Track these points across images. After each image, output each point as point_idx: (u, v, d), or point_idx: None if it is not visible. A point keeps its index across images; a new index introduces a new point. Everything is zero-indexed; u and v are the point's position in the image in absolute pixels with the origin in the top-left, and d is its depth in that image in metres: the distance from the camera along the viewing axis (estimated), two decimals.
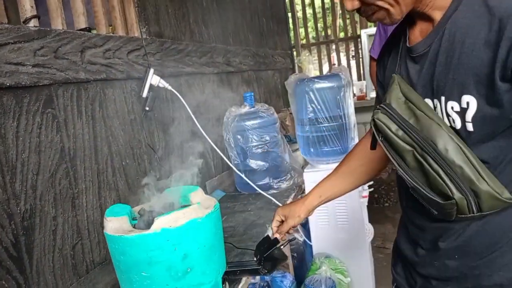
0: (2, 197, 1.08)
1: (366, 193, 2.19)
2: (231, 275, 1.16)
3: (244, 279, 1.29)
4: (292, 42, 4.77)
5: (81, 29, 1.50)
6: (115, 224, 1.05)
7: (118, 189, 1.53)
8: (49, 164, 1.24)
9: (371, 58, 2.73)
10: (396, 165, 0.84)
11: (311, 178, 2.09)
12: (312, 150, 2.13)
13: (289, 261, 2.05)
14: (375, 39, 2.66)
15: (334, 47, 4.91)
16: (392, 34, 0.99)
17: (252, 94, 2.20)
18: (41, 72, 1.22)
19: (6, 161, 1.10)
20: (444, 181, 0.76)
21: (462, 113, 0.76)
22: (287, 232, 1.23)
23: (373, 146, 0.96)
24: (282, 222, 1.23)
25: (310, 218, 2.24)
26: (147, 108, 1.66)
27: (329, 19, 5.28)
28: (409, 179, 0.82)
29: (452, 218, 0.80)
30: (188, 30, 2.25)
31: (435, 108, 0.82)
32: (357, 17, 4.84)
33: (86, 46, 1.42)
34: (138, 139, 1.68)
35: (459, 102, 0.76)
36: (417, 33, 0.88)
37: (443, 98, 0.79)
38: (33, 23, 1.28)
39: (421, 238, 0.95)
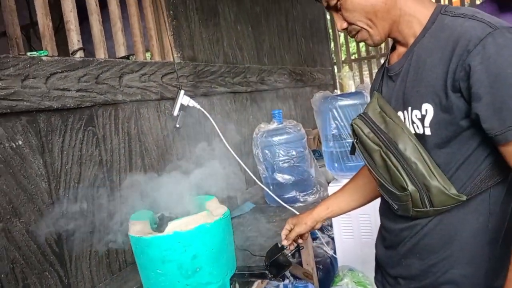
0: (48, 201, 1.29)
1: None
2: (239, 277, 1.28)
3: (256, 283, 1.40)
4: (334, 58, 4.84)
5: (121, 57, 1.72)
6: (138, 227, 1.21)
7: (149, 198, 1.70)
8: (88, 174, 1.44)
9: None
10: (367, 164, 0.98)
11: None
12: (336, 165, 2.20)
13: (314, 272, 2.12)
14: None
15: (376, 62, 4.91)
16: (384, 61, 1.11)
17: (281, 111, 2.33)
18: (83, 96, 1.43)
19: (52, 171, 1.31)
20: (401, 175, 0.89)
21: (422, 119, 0.88)
22: (295, 241, 1.32)
23: (352, 151, 1.07)
24: (291, 230, 1.33)
25: (335, 231, 2.29)
26: (177, 125, 1.84)
27: None
28: (377, 175, 0.96)
29: (410, 212, 0.92)
30: (222, 53, 2.43)
31: (404, 118, 0.93)
32: None
33: (124, 72, 1.63)
34: (170, 153, 1.86)
35: (420, 110, 0.88)
36: (395, 56, 1.01)
37: (409, 108, 0.91)
38: (79, 54, 1.51)
39: (389, 239, 1.04)
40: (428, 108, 0.86)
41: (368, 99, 2.16)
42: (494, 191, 0.88)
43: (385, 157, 0.91)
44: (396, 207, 0.95)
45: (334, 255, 2.35)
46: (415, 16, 0.92)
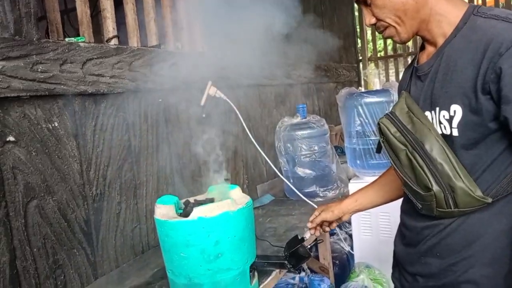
0: (79, 182, 1.35)
1: None
2: (259, 266, 1.31)
3: (274, 273, 1.43)
4: (360, 55, 4.80)
5: (152, 46, 1.77)
6: (163, 210, 1.25)
7: (174, 184, 1.75)
8: (117, 158, 1.50)
9: None
10: (393, 163, 0.99)
11: (356, 189, 2.16)
12: (358, 162, 2.20)
13: (330, 267, 2.13)
14: None
15: (403, 61, 4.83)
16: (412, 59, 1.11)
17: (305, 105, 2.34)
18: (116, 82, 1.48)
19: (84, 153, 1.37)
20: (426, 175, 0.90)
21: (450, 120, 0.88)
22: (321, 227, 1.33)
23: (378, 150, 1.08)
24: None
25: (353, 228, 2.30)
26: (204, 115, 1.87)
27: None
28: (401, 174, 0.97)
29: (433, 212, 0.92)
30: (249, 46, 2.44)
31: (432, 118, 0.94)
32: None
33: (155, 60, 1.67)
34: (195, 142, 1.90)
35: (448, 111, 0.88)
36: (424, 56, 1.01)
37: (437, 109, 0.92)
38: (113, 42, 1.55)
39: (410, 237, 1.05)
40: (456, 109, 0.86)
41: (395, 97, 2.16)
42: None
43: (411, 156, 0.92)
44: (420, 206, 0.96)
45: (351, 251, 2.36)
46: (446, 16, 0.92)
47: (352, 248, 2.34)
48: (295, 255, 1.29)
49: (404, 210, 1.11)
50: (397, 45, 4.97)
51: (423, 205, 0.95)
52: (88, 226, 1.38)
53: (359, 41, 4.81)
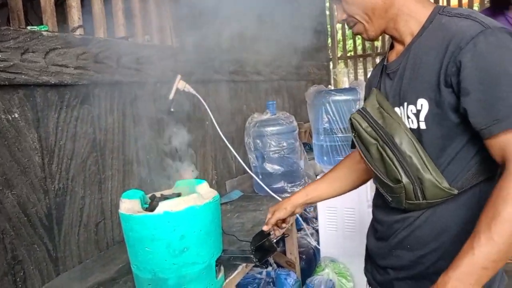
0: (40, 175, 1.31)
1: None
2: (225, 260, 1.31)
3: (240, 267, 1.44)
4: (330, 54, 4.87)
5: (120, 38, 1.73)
6: (128, 205, 1.23)
7: (141, 179, 1.73)
8: (81, 151, 1.46)
9: None
10: (364, 157, 1.02)
11: None
12: (325, 158, 2.24)
13: (296, 261, 2.17)
14: None
15: (371, 61, 4.95)
16: (382, 58, 1.14)
17: (275, 102, 2.36)
18: (81, 73, 1.44)
19: (46, 146, 1.33)
20: (396, 168, 0.92)
21: (417, 114, 0.92)
22: (278, 226, 1.35)
23: (353, 145, 1.11)
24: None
25: (320, 223, 2.34)
26: (172, 109, 1.86)
27: None
28: (372, 168, 0.99)
29: (403, 205, 0.95)
30: (220, 41, 2.44)
31: (401, 113, 0.97)
32: None
33: (123, 53, 1.64)
34: (163, 136, 1.88)
35: (415, 105, 0.92)
36: (393, 55, 1.04)
37: (405, 104, 0.95)
38: (79, 32, 1.51)
39: (381, 231, 1.08)
40: (423, 103, 0.90)
41: (361, 96, 2.21)
42: (485, 186, 0.91)
43: (382, 150, 0.95)
44: (390, 199, 0.99)
45: (318, 246, 2.40)
46: (413, 16, 0.95)
47: (318, 243, 2.39)
48: (261, 249, 1.31)
49: (376, 205, 1.14)
50: (366, 45, 5.08)
51: (393, 197, 0.98)
52: (49, 221, 1.34)
53: (330, 40, 4.89)
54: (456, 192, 0.90)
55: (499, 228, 0.76)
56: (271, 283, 2.00)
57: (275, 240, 1.35)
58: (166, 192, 1.37)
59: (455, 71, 0.84)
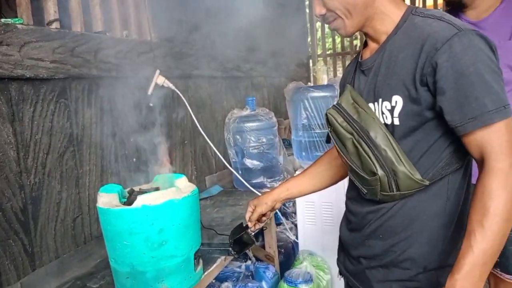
0: (15, 170, 1.29)
1: None
2: (204, 253, 1.33)
3: (219, 260, 1.46)
4: (310, 52, 4.92)
5: (97, 32, 1.71)
6: (106, 199, 1.23)
7: (119, 174, 1.72)
8: (58, 146, 1.45)
9: None
10: (340, 151, 1.05)
11: None
12: (304, 154, 2.28)
13: (275, 255, 2.20)
14: None
15: (350, 59, 5.02)
16: (355, 56, 1.17)
17: (254, 98, 2.37)
18: (57, 67, 1.43)
19: (21, 140, 1.31)
20: (371, 161, 0.96)
21: (392, 110, 0.95)
22: (258, 221, 1.38)
23: (328, 140, 1.13)
24: (253, 211, 1.39)
25: (298, 218, 2.38)
26: (151, 105, 1.85)
27: None
28: (348, 161, 1.03)
29: (377, 196, 0.99)
30: (200, 37, 2.44)
31: (375, 109, 1.00)
32: None
33: (100, 47, 1.63)
34: (142, 132, 1.88)
35: (390, 101, 0.95)
36: (368, 52, 1.07)
37: (380, 100, 0.98)
38: (55, 25, 1.49)
39: (355, 222, 1.12)
40: (398, 100, 0.93)
41: (339, 92, 2.25)
42: (452, 177, 0.97)
43: (357, 144, 0.98)
44: (365, 191, 1.02)
45: (296, 240, 2.44)
46: (389, 15, 0.99)
47: (297, 237, 2.43)
48: (240, 242, 1.33)
49: (349, 197, 1.17)
50: (345, 43, 5.15)
51: (368, 189, 1.01)
52: (25, 216, 1.32)
53: (310, 38, 4.93)
54: (427, 183, 0.95)
55: (490, 223, 0.82)
56: (250, 277, 2.02)
57: (253, 233, 1.38)
58: (145, 187, 1.37)
59: (431, 71, 0.88)
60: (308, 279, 1.93)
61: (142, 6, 1.97)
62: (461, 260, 0.84)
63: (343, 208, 1.22)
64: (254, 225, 1.38)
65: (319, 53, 5.11)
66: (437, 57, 0.86)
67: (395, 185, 0.96)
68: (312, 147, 2.25)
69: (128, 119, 1.79)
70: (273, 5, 3.71)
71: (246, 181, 2.21)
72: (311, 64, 4.88)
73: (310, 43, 4.96)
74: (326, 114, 1.07)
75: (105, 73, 1.64)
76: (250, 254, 2.11)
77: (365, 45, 1.10)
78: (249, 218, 1.36)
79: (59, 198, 1.44)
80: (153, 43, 1.93)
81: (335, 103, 1.09)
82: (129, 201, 1.27)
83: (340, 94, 1.20)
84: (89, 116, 1.59)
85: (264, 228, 1.50)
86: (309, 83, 2.82)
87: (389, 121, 0.97)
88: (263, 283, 1.97)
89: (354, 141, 0.99)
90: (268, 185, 2.25)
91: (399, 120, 0.94)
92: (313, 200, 2.28)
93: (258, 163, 2.26)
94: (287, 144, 2.84)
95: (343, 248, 1.22)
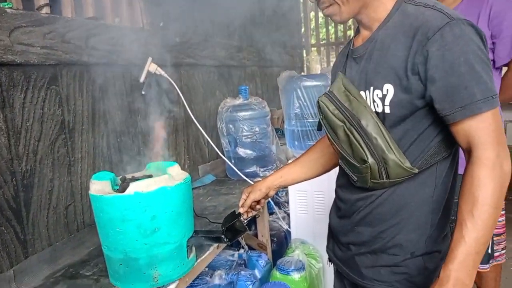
0: (6, 157, 1.28)
1: None
2: (196, 240, 1.33)
3: (212, 247, 1.47)
4: (303, 41, 4.91)
5: (88, 18, 1.69)
6: (98, 186, 1.23)
7: (111, 162, 1.71)
8: (49, 133, 1.43)
9: None
10: (331, 138, 1.05)
11: None
12: (296, 143, 2.28)
13: (268, 244, 2.22)
14: None
15: None
16: (347, 43, 1.17)
17: (247, 87, 2.37)
18: (48, 53, 1.41)
19: (12, 127, 1.30)
20: (362, 148, 0.97)
21: (383, 98, 0.96)
22: (252, 208, 1.38)
23: (319, 127, 1.14)
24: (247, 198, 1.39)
25: (291, 207, 2.39)
26: (143, 92, 1.84)
27: None
28: (339, 149, 1.04)
29: (367, 184, 1.00)
30: (193, 24, 2.42)
31: (366, 97, 1.01)
32: None
33: (92, 33, 1.61)
34: (134, 119, 1.87)
35: (381, 90, 0.96)
36: (360, 40, 1.07)
37: (371, 88, 0.99)
38: (45, 10, 1.47)
39: (344, 209, 1.13)
40: (389, 88, 0.94)
41: (331, 81, 2.25)
42: (440, 165, 0.98)
43: (348, 132, 0.99)
44: (356, 178, 1.03)
45: (289, 229, 2.46)
46: (383, 2, 0.99)
47: (289, 226, 2.44)
48: (232, 229, 1.33)
49: (339, 185, 1.18)
50: (339, 33, 5.14)
51: (358, 177, 1.02)
52: (17, 203, 1.32)
53: (303, 28, 4.91)
54: (417, 171, 0.96)
55: (479, 212, 0.83)
56: (243, 265, 2.04)
57: (246, 221, 1.38)
58: (137, 174, 1.37)
59: (422, 60, 0.88)
60: (300, 267, 1.95)
61: None
62: (454, 251, 0.85)
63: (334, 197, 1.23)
64: (247, 212, 1.38)
65: (313, 43, 5.10)
66: (428, 46, 0.87)
67: (385, 173, 0.97)
68: (304, 137, 2.25)
69: (120, 107, 1.78)
70: None
71: (239, 170, 2.21)
72: (304, 54, 4.87)
73: (304, 33, 4.94)
74: (318, 102, 1.08)
75: (96, 59, 1.62)
76: (243, 242, 2.13)
77: (357, 32, 1.10)
78: (242, 204, 1.37)
79: (51, 186, 1.44)
80: (145, 30, 1.91)
81: (327, 90, 1.09)
82: (121, 188, 1.27)
83: (332, 81, 1.20)
84: (81, 103, 1.57)
85: (256, 216, 1.50)
86: (302, 73, 2.82)
87: (380, 109, 0.97)
88: (256, 271, 1.99)
89: (346, 129, 1.00)
90: (261, 174, 2.26)
91: (390, 109, 0.95)
92: (305, 189, 2.29)
93: (251, 152, 2.27)
94: (280, 133, 2.84)
95: (332, 235, 1.23)
